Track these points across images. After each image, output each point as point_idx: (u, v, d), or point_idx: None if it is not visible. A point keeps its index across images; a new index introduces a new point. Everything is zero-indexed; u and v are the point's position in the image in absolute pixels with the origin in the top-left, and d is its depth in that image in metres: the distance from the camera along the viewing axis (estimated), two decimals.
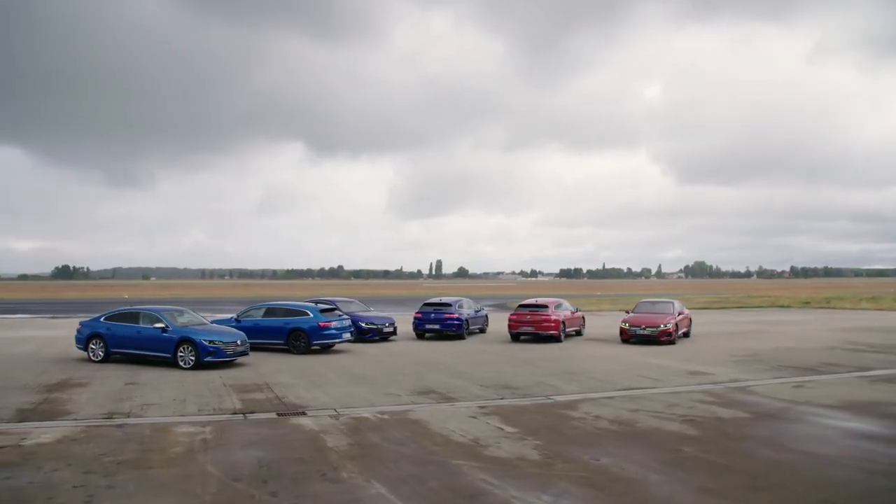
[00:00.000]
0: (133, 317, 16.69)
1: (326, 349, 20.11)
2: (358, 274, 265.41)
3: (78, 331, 17.27)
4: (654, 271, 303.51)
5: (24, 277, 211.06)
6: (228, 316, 21.75)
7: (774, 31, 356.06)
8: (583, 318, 26.39)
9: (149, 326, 16.21)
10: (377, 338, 22.98)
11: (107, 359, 16.58)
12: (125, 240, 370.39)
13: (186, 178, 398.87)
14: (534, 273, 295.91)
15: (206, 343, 15.73)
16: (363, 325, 22.76)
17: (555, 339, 22.96)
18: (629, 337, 22.74)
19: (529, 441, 9.14)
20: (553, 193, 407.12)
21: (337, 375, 15.30)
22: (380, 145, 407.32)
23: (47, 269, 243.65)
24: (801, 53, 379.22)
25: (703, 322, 32.52)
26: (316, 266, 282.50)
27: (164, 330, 16.02)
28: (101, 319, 17.08)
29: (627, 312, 24.84)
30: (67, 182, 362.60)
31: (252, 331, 19.82)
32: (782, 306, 47.21)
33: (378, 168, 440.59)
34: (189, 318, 17.23)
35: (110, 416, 10.66)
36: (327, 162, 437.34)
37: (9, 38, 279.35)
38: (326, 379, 14.75)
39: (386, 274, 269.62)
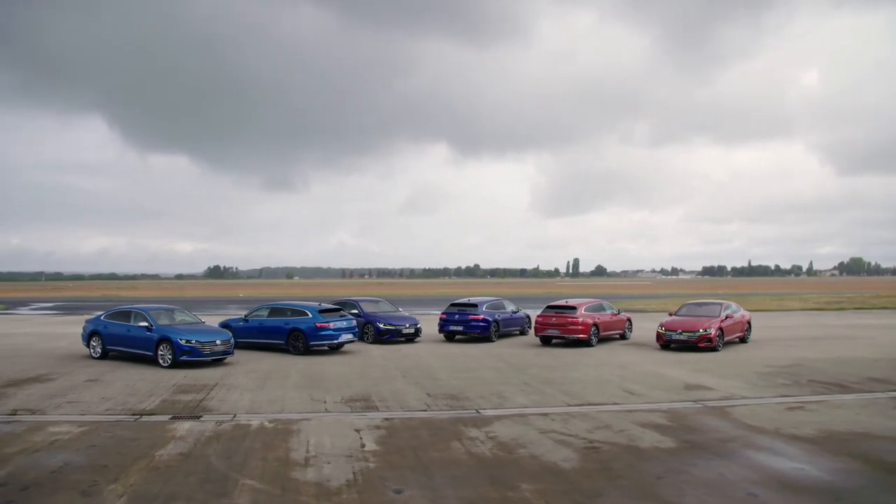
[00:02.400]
0: (126, 315, 17.39)
1: (335, 349, 19.86)
2: (494, 273, 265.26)
3: (83, 328, 18.32)
4: (804, 268, 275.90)
5: (179, 277, 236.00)
6: (239, 315, 22.25)
7: None
8: (628, 320, 24.06)
9: (136, 325, 16.85)
10: (400, 339, 22.41)
11: (105, 356, 17.43)
12: (275, 241, 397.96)
13: (337, 180, 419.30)
14: (674, 271, 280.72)
15: (183, 342, 16.03)
16: (381, 325, 22.32)
17: (584, 343, 21.10)
18: (666, 342, 20.34)
19: (359, 464, 8.09)
20: (700, 188, 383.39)
21: (299, 377, 14.96)
22: (524, 144, 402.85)
23: (201, 269, 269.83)
24: None
25: (788, 325, 28.64)
26: (454, 265, 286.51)
27: (148, 329, 16.57)
28: (102, 318, 17.98)
29: (670, 315, 22.25)
30: (226, 187, 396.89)
31: (257, 330, 20.14)
32: None
33: (521, 167, 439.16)
34: (181, 318, 17.71)
35: (14, 412, 11.03)
36: (471, 162, 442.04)
37: (178, 56, 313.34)
38: (281, 382, 14.41)
39: (522, 273, 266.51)
